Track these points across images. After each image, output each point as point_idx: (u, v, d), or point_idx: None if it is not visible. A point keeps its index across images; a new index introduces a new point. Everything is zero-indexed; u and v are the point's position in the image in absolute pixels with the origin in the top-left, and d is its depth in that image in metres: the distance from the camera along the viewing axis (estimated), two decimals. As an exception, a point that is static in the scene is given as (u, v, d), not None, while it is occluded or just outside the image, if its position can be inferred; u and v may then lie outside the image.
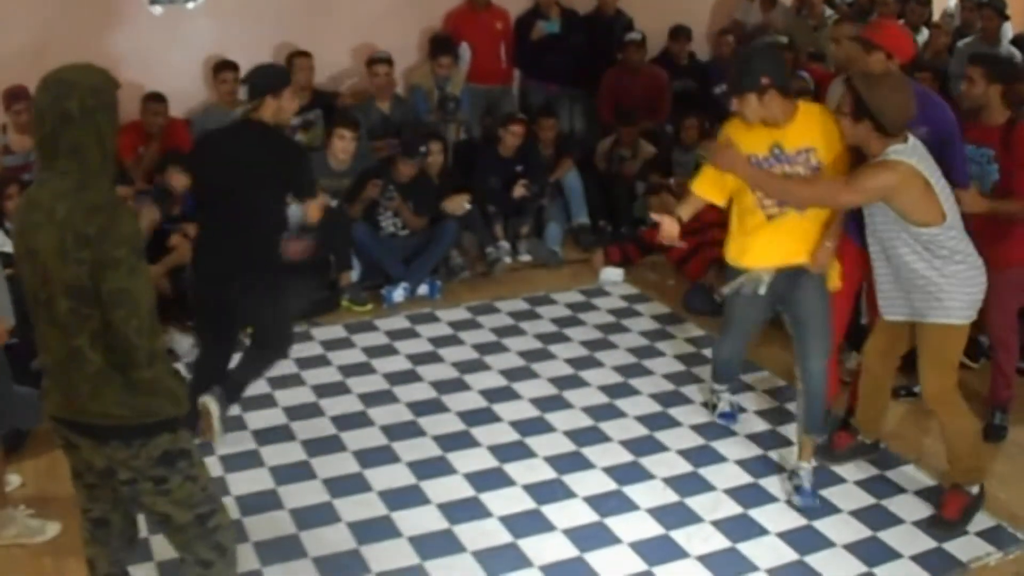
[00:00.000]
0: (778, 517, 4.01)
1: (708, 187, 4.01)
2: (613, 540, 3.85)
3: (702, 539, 3.87)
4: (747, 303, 4.13)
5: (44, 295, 2.51)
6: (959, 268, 3.66)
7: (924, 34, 7.99)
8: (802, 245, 3.91)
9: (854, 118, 3.59)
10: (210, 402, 4.33)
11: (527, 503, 4.06)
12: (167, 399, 2.62)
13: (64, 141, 2.48)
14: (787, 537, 3.89)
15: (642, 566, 3.72)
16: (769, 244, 3.93)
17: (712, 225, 6.38)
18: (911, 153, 3.56)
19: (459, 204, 6.27)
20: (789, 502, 4.10)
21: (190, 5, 6.61)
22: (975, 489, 3.95)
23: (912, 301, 3.77)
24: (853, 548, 3.84)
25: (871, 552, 3.82)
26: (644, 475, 4.27)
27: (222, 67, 6.44)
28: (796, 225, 3.88)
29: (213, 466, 4.24)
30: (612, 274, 6.37)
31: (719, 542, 3.86)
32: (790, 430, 4.63)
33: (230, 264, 4.19)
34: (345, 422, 4.62)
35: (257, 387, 4.92)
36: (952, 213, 3.62)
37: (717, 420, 4.69)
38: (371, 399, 4.84)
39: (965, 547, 3.86)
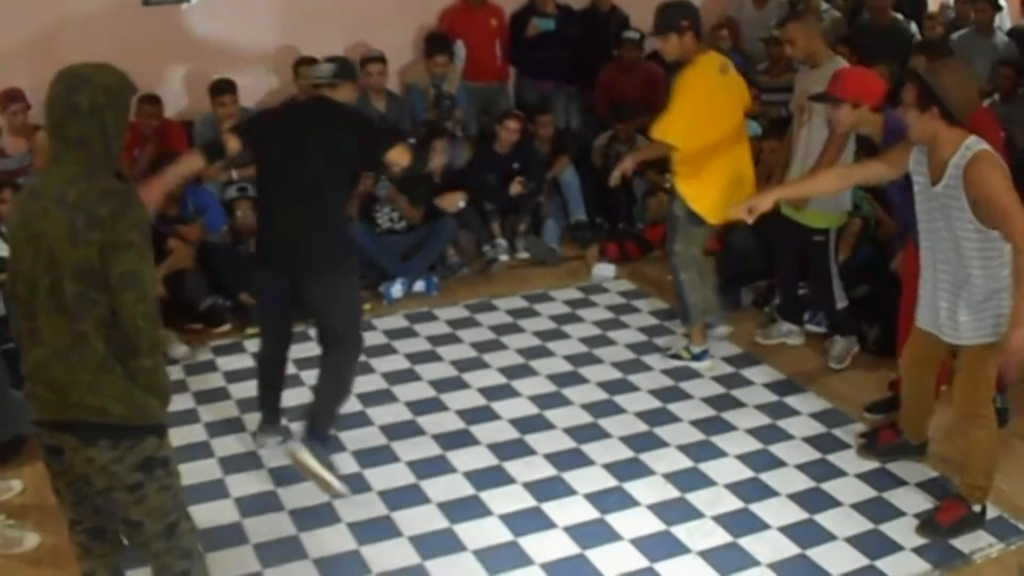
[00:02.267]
0: (779, 511, 4.00)
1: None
2: (614, 537, 3.84)
3: (703, 534, 3.86)
4: None
5: (48, 281, 2.50)
6: (1006, 275, 3.55)
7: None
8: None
9: (920, 108, 3.49)
10: (298, 451, 3.91)
11: (527, 501, 4.05)
12: (160, 398, 2.62)
13: (71, 132, 2.52)
14: (788, 531, 3.88)
15: (643, 562, 3.71)
16: None
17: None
18: (984, 144, 3.49)
19: (453, 202, 6.25)
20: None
21: (184, 5, 6.59)
22: (977, 507, 3.90)
23: (955, 316, 3.68)
24: (855, 541, 3.83)
25: (873, 545, 3.81)
26: (644, 471, 4.26)
27: (221, 90, 6.29)
28: None
29: (212, 468, 4.24)
30: (604, 270, 6.36)
31: (720, 537, 3.85)
32: (791, 424, 4.63)
33: (295, 248, 3.93)
34: (344, 422, 4.59)
35: (256, 389, 4.91)
36: None
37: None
38: (370, 398, 4.83)
39: (967, 539, 3.85)
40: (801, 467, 4.30)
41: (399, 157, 4.05)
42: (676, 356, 5.22)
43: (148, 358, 2.56)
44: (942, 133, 3.50)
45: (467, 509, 3.99)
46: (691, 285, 5.09)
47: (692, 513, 3.99)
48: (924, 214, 3.71)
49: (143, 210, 2.55)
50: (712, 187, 4.86)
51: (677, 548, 3.78)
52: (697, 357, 5.17)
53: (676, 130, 4.77)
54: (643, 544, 3.80)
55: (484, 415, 4.70)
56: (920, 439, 4.31)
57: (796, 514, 3.99)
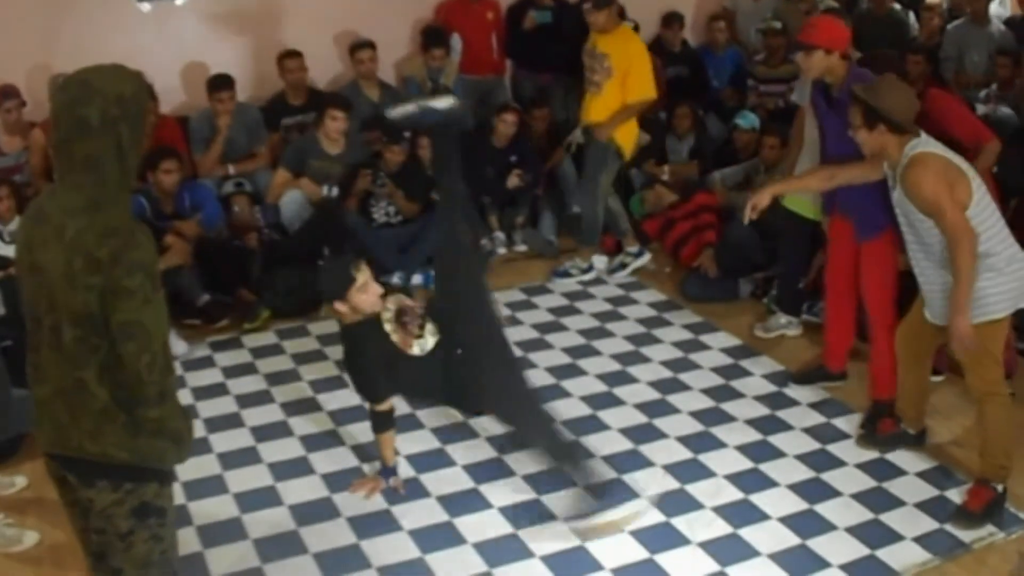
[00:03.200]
0: (779, 502, 4.00)
1: None
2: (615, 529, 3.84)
3: (703, 525, 3.86)
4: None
5: (49, 320, 2.33)
6: (990, 261, 3.65)
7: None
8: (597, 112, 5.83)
9: (868, 126, 3.72)
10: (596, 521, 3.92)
11: (528, 493, 4.05)
12: (171, 442, 2.46)
13: (79, 151, 2.28)
14: (789, 522, 3.88)
15: (644, 554, 3.70)
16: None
17: (705, 209, 6.40)
18: (927, 143, 3.68)
19: None
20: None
21: (178, 1, 6.57)
22: (1000, 487, 3.91)
23: (943, 303, 3.77)
24: (855, 531, 3.83)
25: (873, 535, 3.81)
26: (644, 462, 4.26)
27: (219, 85, 6.28)
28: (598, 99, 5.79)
29: (211, 465, 4.23)
30: (599, 262, 6.35)
31: (720, 528, 3.85)
32: (791, 414, 4.63)
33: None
34: (342, 417, 4.60)
35: (254, 384, 4.91)
36: (978, 196, 3.64)
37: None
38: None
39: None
40: (801, 457, 4.30)
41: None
42: (623, 265, 6.18)
43: (155, 409, 2.36)
44: (891, 145, 3.73)
45: (467, 502, 3.99)
46: (614, 204, 6.22)
47: (692, 504, 3.98)
48: (898, 213, 3.86)
49: (148, 250, 2.30)
50: (631, 130, 5.98)
51: (677, 539, 3.78)
52: (638, 255, 6.24)
53: (650, 84, 5.84)
54: (643, 536, 3.80)
55: (483, 408, 4.69)
56: (918, 427, 4.32)
57: (796, 504, 3.98)
